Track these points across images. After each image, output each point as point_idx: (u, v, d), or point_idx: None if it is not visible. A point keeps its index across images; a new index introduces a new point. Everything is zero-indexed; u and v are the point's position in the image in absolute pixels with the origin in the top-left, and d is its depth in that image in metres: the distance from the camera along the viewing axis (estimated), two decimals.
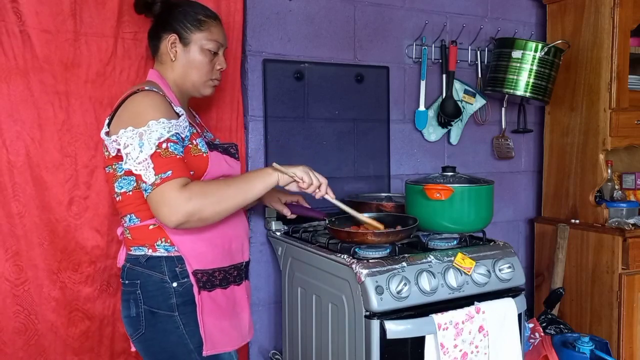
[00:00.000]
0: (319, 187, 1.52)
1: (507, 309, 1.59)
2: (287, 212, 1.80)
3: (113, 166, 1.45)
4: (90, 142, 1.74)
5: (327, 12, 2.16)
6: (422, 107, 2.35)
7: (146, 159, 1.33)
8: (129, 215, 1.47)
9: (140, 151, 1.33)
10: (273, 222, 2.00)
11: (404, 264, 1.54)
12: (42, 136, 1.69)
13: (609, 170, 2.40)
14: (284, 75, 2.06)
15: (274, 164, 1.48)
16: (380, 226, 1.64)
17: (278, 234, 1.96)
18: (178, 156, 1.36)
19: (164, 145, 1.34)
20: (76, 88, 1.72)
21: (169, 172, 1.32)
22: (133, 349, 1.54)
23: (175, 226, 1.33)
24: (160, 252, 1.45)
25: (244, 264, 1.60)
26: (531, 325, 2.19)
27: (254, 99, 2.03)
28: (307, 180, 1.49)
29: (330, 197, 1.56)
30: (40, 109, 1.68)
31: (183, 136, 1.43)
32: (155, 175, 1.32)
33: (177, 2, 1.60)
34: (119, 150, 1.39)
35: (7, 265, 1.66)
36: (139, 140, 1.33)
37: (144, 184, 1.34)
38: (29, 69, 1.66)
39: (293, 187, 1.51)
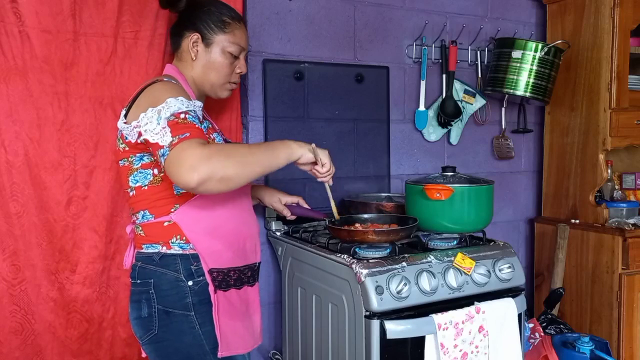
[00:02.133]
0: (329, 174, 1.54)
1: (507, 309, 1.59)
2: (287, 213, 1.80)
3: (129, 159, 1.42)
4: (90, 142, 1.74)
5: (327, 12, 2.15)
6: (422, 107, 2.35)
7: (164, 127, 1.28)
8: (142, 212, 1.44)
9: (157, 123, 1.29)
10: (273, 222, 2.00)
11: (404, 264, 1.54)
12: (41, 136, 1.68)
13: (609, 170, 2.40)
14: (284, 75, 2.06)
15: (314, 145, 1.47)
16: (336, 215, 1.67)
17: (278, 234, 1.96)
18: (197, 125, 1.32)
19: (182, 116, 1.31)
20: (76, 88, 1.71)
21: (187, 133, 1.28)
22: (144, 354, 1.49)
23: (196, 185, 1.22)
24: (175, 250, 1.41)
25: (257, 264, 1.58)
26: (531, 325, 2.19)
27: (254, 99, 2.03)
28: (327, 166, 1.51)
29: (329, 184, 1.58)
30: (40, 109, 1.68)
31: (201, 119, 1.39)
32: (172, 136, 1.27)
33: (203, 0, 1.58)
34: (139, 135, 1.34)
35: (4, 264, 1.66)
36: (157, 116, 1.30)
37: (160, 150, 1.27)
38: (28, 69, 1.66)
39: (305, 167, 1.50)
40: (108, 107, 1.74)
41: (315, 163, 1.50)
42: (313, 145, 1.47)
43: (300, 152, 1.44)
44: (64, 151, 1.71)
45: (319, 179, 1.55)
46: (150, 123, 1.30)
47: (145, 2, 1.77)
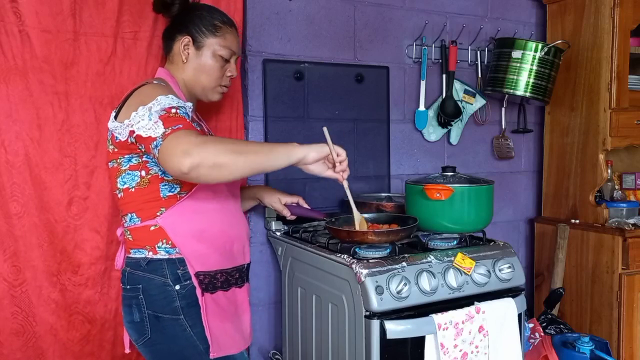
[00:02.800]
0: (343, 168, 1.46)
1: (507, 309, 1.59)
2: (286, 213, 1.80)
3: (118, 160, 1.43)
4: (90, 142, 1.74)
5: (327, 12, 2.15)
6: (422, 107, 2.35)
7: (156, 122, 1.29)
8: (129, 215, 1.45)
9: (149, 119, 1.30)
10: (273, 222, 2.00)
11: (404, 264, 1.54)
12: (41, 136, 1.68)
13: (609, 170, 2.40)
14: (284, 75, 2.06)
15: (325, 128, 1.44)
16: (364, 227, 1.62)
17: (278, 234, 1.96)
18: (188, 120, 1.32)
19: (173, 111, 1.31)
20: (76, 88, 1.71)
21: (180, 125, 1.28)
22: (127, 350, 1.52)
23: (189, 169, 1.21)
24: (161, 255, 1.43)
25: (245, 266, 1.59)
26: (531, 325, 2.19)
27: (254, 99, 2.03)
28: (343, 154, 1.44)
29: (347, 183, 1.51)
30: (40, 109, 1.68)
31: (191, 119, 1.39)
32: (165, 128, 1.27)
33: (196, 5, 1.60)
34: (130, 134, 1.35)
35: (5, 265, 1.66)
36: (149, 112, 1.31)
37: (154, 142, 1.27)
38: (28, 69, 1.66)
39: (316, 170, 1.42)
40: (108, 107, 1.74)
41: (332, 165, 1.45)
42: (325, 128, 1.44)
43: (303, 152, 1.36)
44: (65, 151, 1.71)
45: (344, 178, 1.47)
46: (142, 120, 1.31)
47: (145, 3, 1.77)
